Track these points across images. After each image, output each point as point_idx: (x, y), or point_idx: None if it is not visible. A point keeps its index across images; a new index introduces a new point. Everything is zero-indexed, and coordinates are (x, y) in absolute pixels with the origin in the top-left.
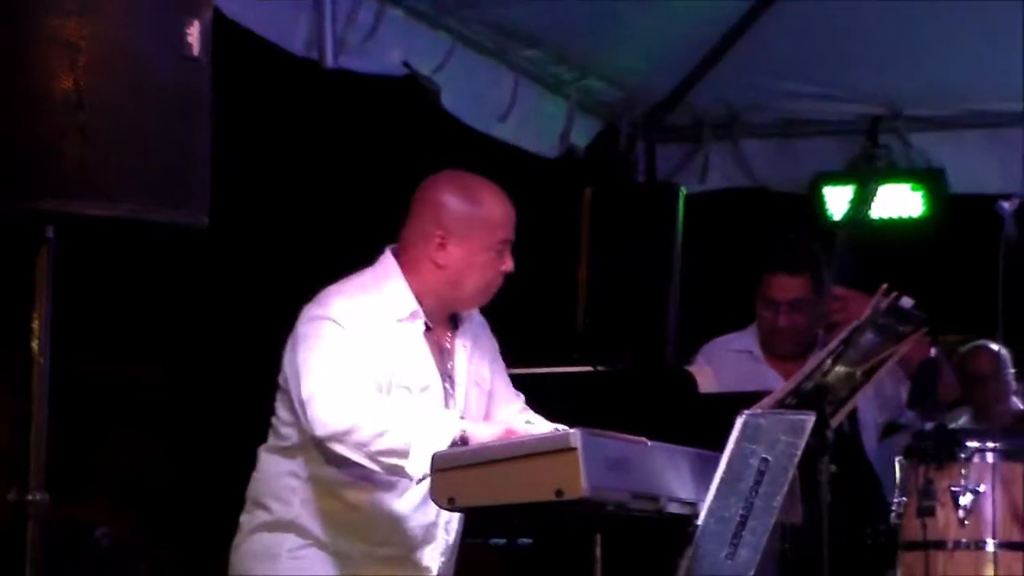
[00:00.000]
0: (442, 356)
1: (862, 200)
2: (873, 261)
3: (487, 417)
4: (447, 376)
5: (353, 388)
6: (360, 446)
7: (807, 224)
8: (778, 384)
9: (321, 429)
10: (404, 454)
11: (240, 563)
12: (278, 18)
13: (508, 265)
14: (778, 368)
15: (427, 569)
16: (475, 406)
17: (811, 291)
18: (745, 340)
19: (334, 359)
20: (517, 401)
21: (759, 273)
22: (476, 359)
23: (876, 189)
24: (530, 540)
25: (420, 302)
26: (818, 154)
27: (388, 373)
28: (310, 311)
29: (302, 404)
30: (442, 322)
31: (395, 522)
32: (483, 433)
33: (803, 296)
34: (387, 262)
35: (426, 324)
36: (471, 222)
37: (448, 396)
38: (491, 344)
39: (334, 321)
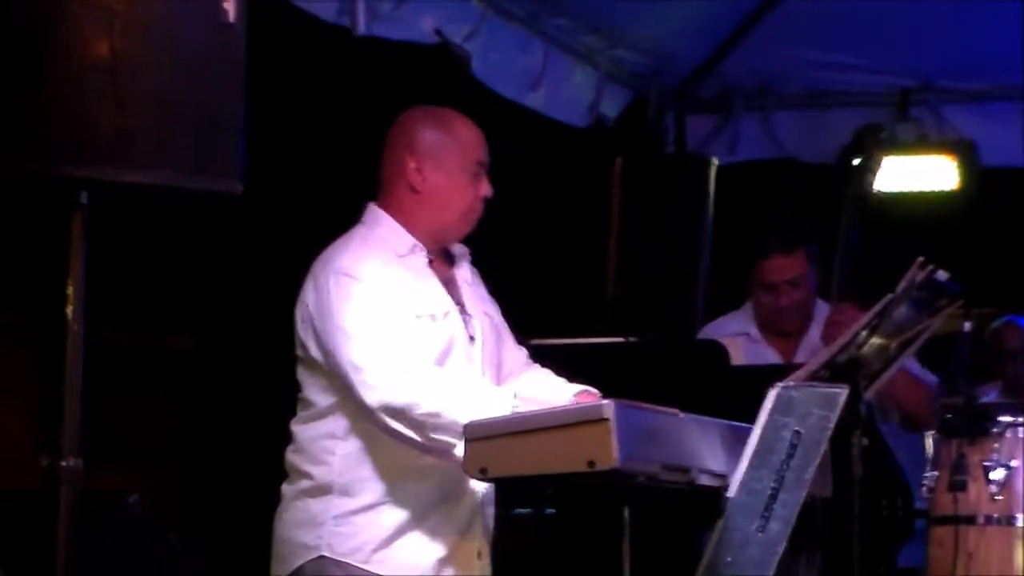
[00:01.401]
0: (448, 287)
1: (864, 172)
2: (905, 234)
3: (500, 358)
4: (459, 304)
5: (408, 358)
6: (416, 424)
7: (836, 197)
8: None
9: (376, 399)
10: (458, 436)
11: (284, 531)
12: None
13: (486, 190)
14: (777, 347)
15: (474, 537)
16: (488, 336)
17: (807, 266)
18: (740, 322)
19: (373, 321)
20: (522, 351)
21: (753, 259)
22: (480, 293)
23: (879, 161)
24: (555, 511)
25: (413, 236)
26: (848, 126)
27: (411, 306)
28: (321, 274)
29: (348, 370)
30: (438, 257)
31: (445, 475)
32: None
33: (800, 273)
34: (373, 212)
35: (428, 258)
36: (443, 145)
37: (467, 322)
38: (485, 290)
39: (351, 276)
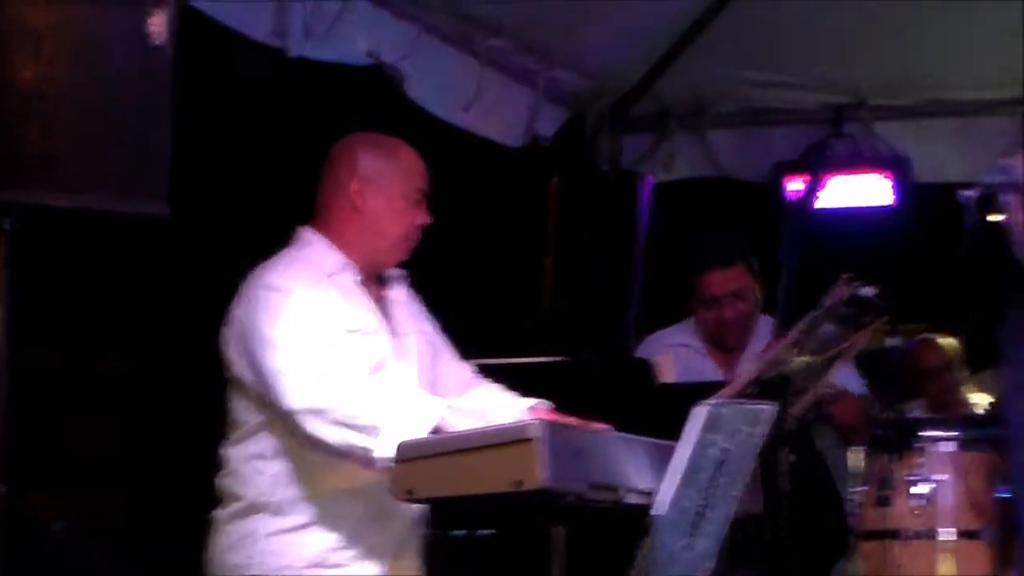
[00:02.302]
0: (379, 307)
1: (810, 189)
2: (837, 249)
3: (438, 375)
4: (388, 324)
5: (332, 363)
6: (336, 426)
7: (770, 214)
8: (718, 377)
9: (297, 400)
10: (379, 441)
11: (216, 555)
12: (242, 6)
13: (423, 218)
14: (718, 361)
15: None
16: (425, 354)
17: (748, 278)
18: (682, 335)
19: (299, 331)
20: (465, 366)
21: (691, 276)
22: (414, 312)
23: (822, 178)
24: (490, 532)
25: (347, 257)
26: (784, 144)
27: (340, 321)
28: (247, 293)
29: (271, 377)
30: (370, 280)
31: (378, 494)
32: (463, 424)
33: (742, 285)
34: (304, 234)
35: (358, 277)
36: (386, 170)
37: (398, 342)
38: (421, 308)
39: (278, 290)
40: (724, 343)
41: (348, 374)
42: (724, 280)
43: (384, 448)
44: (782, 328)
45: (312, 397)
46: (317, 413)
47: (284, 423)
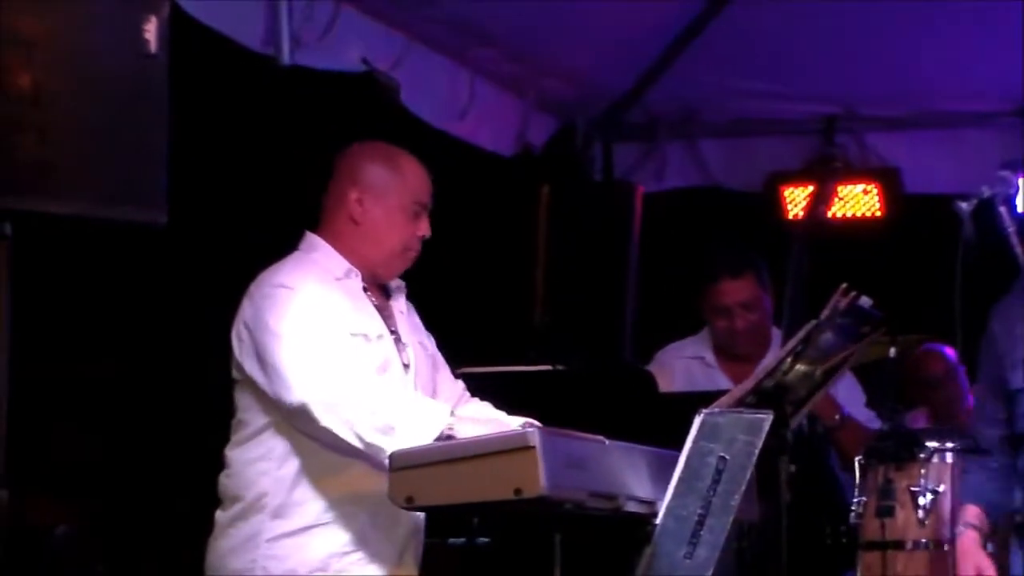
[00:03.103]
0: (383, 315)
1: (819, 201)
2: (829, 261)
3: (435, 388)
4: (393, 332)
5: (343, 360)
6: (350, 421)
7: (763, 224)
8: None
9: (308, 394)
10: (393, 441)
11: (217, 559)
12: (235, 14)
13: (424, 230)
14: (730, 373)
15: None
16: (423, 365)
17: (758, 289)
18: (697, 346)
19: (309, 326)
20: (459, 384)
21: (702, 286)
22: (413, 323)
23: (832, 189)
24: (488, 540)
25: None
26: (774, 153)
27: (346, 324)
28: (257, 291)
29: (281, 370)
30: (373, 288)
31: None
32: (472, 432)
33: (752, 296)
34: (309, 240)
35: (363, 284)
36: (387, 181)
37: (401, 350)
38: (420, 323)
39: (287, 288)
40: (736, 352)
41: (359, 371)
42: (733, 290)
43: (396, 448)
44: (788, 337)
45: (325, 390)
46: (330, 406)
47: (293, 419)
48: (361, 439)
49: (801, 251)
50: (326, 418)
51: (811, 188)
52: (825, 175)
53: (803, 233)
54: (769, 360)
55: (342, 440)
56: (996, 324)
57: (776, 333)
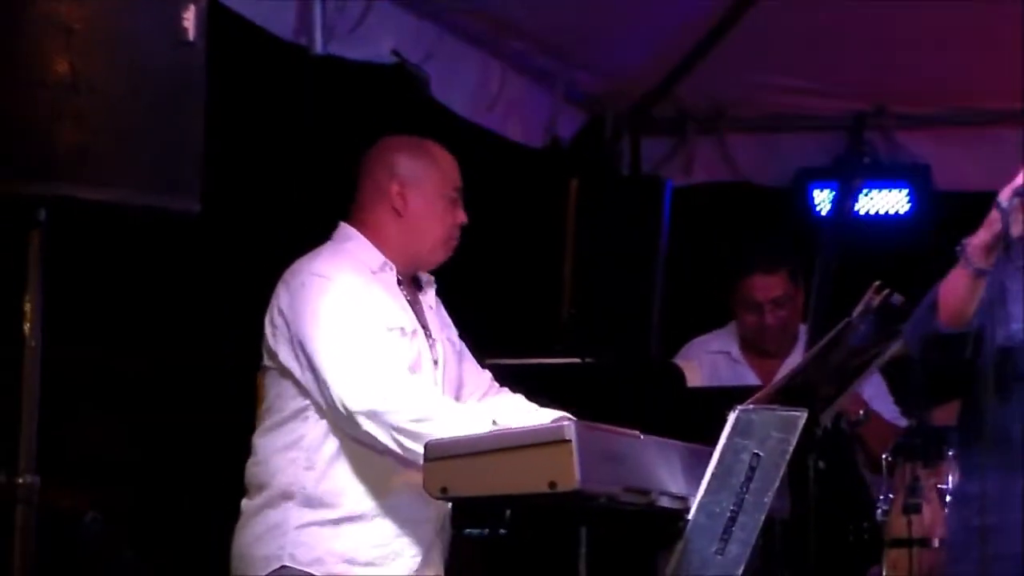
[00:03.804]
0: (415, 310)
1: (845, 197)
2: (859, 258)
3: (461, 382)
4: (424, 328)
5: (385, 362)
6: (393, 431)
7: (791, 221)
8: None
9: (354, 401)
10: (423, 439)
11: (244, 546)
12: (268, 3)
13: (462, 217)
14: (757, 369)
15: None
16: (451, 361)
17: (790, 286)
18: (723, 340)
19: (350, 319)
20: (486, 373)
21: (735, 279)
22: (443, 319)
23: (859, 186)
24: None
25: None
26: (803, 150)
27: (383, 317)
28: (294, 279)
29: (323, 372)
30: (406, 282)
31: (411, 494)
32: None
33: (784, 293)
34: (344, 230)
35: (397, 277)
36: (424, 171)
37: (432, 346)
38: (447, 317)
39: (325, 277)
40: (764, 347)
41: (403, 375)
42: (765, 286)
43: None
44: (813, 336)
45: (369, 399)
46: (373, 414)
47: (333, 416)
48: (401, 446)
49: (828, 249)
50: (368, 424)
51: (838, 186)
52: (851, 172)
53: (830, 231)
54: (797, 357)
55: (381, 445)
56: None
57: (802, 329)
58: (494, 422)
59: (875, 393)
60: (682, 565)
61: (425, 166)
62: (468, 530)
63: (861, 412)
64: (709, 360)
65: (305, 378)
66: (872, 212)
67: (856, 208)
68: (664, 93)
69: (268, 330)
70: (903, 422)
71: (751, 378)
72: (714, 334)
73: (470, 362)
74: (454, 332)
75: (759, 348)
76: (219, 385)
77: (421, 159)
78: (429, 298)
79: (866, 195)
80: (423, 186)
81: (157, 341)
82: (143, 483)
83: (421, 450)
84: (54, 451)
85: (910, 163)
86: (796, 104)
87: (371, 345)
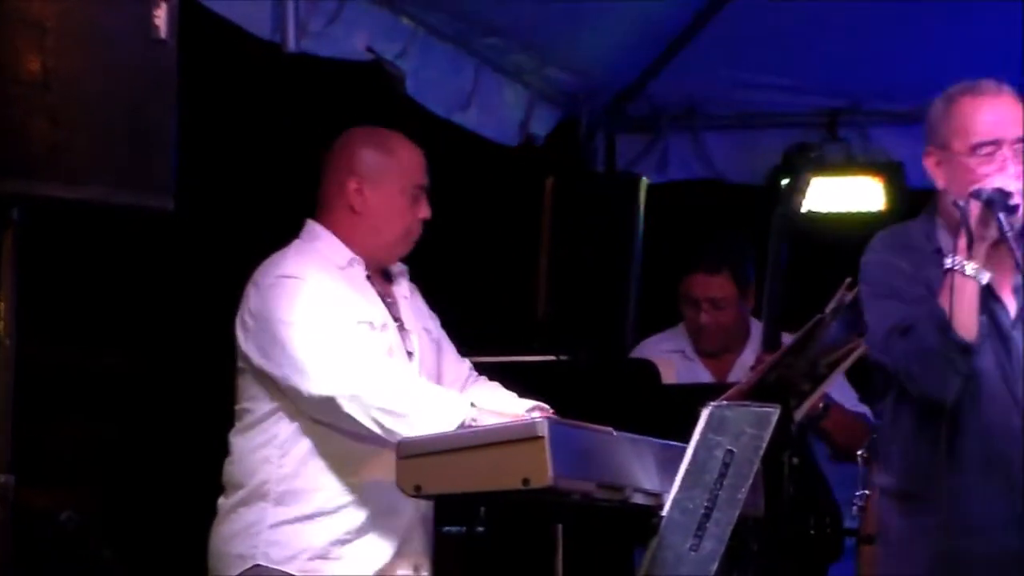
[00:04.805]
0: (386, 303)
1: (793, 192)
2: (832, 255)
3: (440, 371)
4: (396, 319)
5: (358, 348)
6: (373, 411)
7: (765, 217)
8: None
9: (329, 386)
10: (411, 423)
11: (219, 544)
12: (242, 1)
13: (425, 212)
14: (711, 367)
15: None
16: (427, 352)
17: (733, 288)
18: (676, 340)
19: (319, 315)
20: (465, 363)
21: (680, 274)
22: (417, 309)
23: (808, 180)
24: (483, 529)
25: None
26: (777, 147)
27: (351, 313)
28: (262, 280)
29: (298, 363)
30: (376, 275)
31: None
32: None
33: (724, 294)
34: (311, 228)
35: (365, 272)
36: (384, 167)
37: (405, 337)
38: (425, 304)
39: (294, 277)
40: (701, 347)
41: (374, 359)
42: (704, 284)
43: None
44: (767, 331)
45: (348, 381)
46: (354, 397)
47: (313, 409)
48: (382, 426)
49: (777, 243)
50: (349, 407)
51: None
52: (802, 166)
53: (778, 225)
54: (751, 354)
55: (364, 428)
56: None
57: (757, 326)
58: (472, 404)
59: (834, 384)
60: (656, 561)
61: (385, 161)
62: (446, 528)
63: (820, 405)
64: (661, 362)
65: (284, 379)
66: (845, 208)
67: (801, 203)
68: (639, 90)
69: (240, 332)
70: (863, 408)
71: (705, 376)
72: (667, 333)
73: (449, 352)
74: (433, 322)
75: (697, 346)
76: (195, 384)
77: (381, 154)
78: (403, 288)
79: (832, 190)
80: (381, 182)
81: (132, 341)
82: (119, 482)
83: (402, 430)
84: (29, 450)
85: (884, 159)
86: (770, 101)
87: (345, 335)
